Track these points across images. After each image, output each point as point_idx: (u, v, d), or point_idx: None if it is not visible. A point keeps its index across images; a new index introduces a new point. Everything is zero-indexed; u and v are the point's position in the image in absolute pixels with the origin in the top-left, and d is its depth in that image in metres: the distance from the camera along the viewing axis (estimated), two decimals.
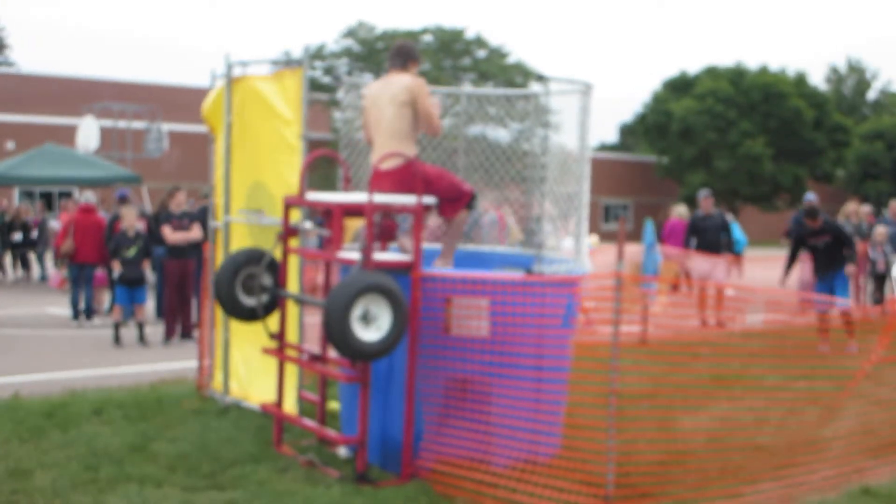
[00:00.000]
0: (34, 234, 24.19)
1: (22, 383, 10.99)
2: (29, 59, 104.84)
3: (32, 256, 24.64)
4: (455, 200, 8.21)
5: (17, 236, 24.07)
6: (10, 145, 41.11)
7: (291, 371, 8.76)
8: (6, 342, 14.34)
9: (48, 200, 37.07)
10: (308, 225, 8.31)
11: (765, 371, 9.86)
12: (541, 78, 8.05)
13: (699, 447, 7.95)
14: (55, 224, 24.16)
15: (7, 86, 48.68)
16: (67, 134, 33.08)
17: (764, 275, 20.22)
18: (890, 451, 8.28)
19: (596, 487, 6.61)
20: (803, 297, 14.57)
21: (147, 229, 15.98)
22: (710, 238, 18.58)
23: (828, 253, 14.56)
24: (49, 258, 24.08)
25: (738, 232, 22.28)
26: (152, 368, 12.27)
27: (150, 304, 15.37)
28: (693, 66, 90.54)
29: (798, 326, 10.33)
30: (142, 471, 7.54)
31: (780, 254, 20.20)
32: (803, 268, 19.73)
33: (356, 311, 6.93)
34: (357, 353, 7.02)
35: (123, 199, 17.80)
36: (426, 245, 8.27)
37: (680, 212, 21.86)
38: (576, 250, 8.65)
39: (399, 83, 8.13)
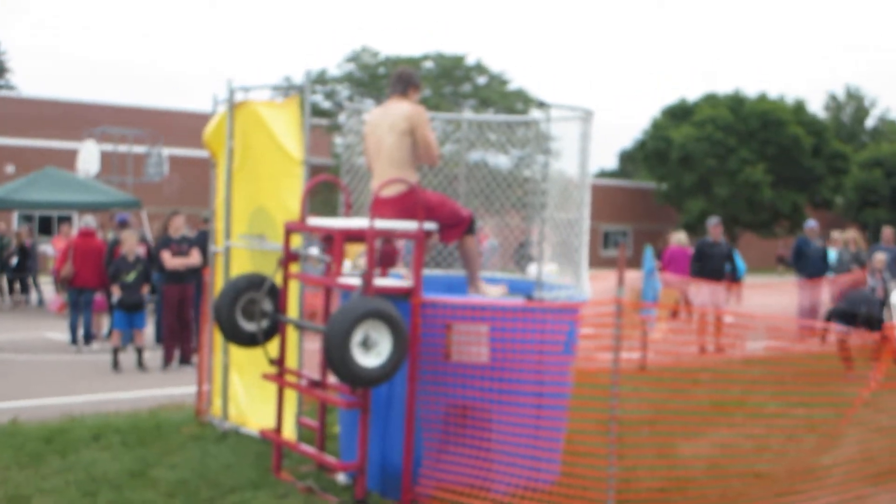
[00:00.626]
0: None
1: (20, 408, 10.99)
2: (30, 83, 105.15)
3: (30, 281, 24.62)
4: (455, 226, 8.22)
5: (13, 260, 24.08)
6: (9, 169, 41.12)
7: (291, 397, 8.75)
8: (4, 367, 14.33)
9: (48, 225, 37.10)
10: (315, 251, 8.31)
11: (765, 398, 9.86)
12: (542, 104, 8.08)
13: (699, 474, 7.95)
14: (48, 248, 24.18)
15: (7, 109, 48.81)
16: (68, 158, 33.15)
17: (763, 301, 20.24)
18: (890, 479, 8.26)
19: None
20: (803, 324, 14.57)
21: (147, 254, 15.96)
22: (715, 265, 18.71)
23: None
24: (43, 282, 24.13)
25: (737, 259, 22.34)
26: (151, 394, 12.26)
27: (149, 329, 15.36)
28: (692, 94, 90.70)
29: (797, 353, 10.33)
30: (141, 497, 7.53)
31: (779, 280, 20.25)
32: (802, 294, 19.78)
33: (356, 337, 6.93)
34: (357, 379, 7.01)
35: (123, 224, 17.82)
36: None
37: (679, 238, 21.88)
38: (576, 276, 8.66)
39: (399, 111, 8.15)
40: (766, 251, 61.41)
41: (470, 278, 8.45)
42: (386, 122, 8.16)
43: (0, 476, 8.07)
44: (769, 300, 20.86)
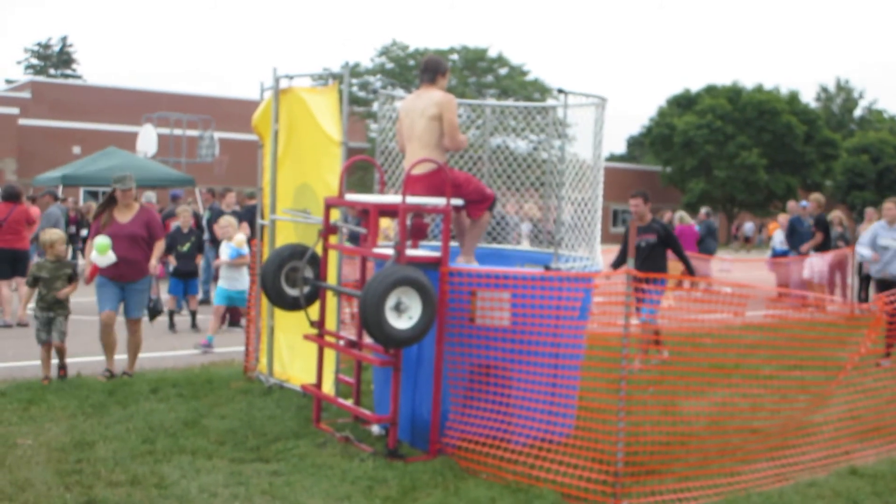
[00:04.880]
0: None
1: (86, 363, 11.04)
2: (94, 72, 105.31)
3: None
4: (479, 202, 8.19)
5: (84, 231, 24.16)
6: (76, 149, 41.34)
7: (330, 356, 8.76)
8: (74, 327, 14.29)
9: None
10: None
11: (760, 361, 9.79)
12: (561, 91, 8.02)
13: (700, 430, 7.92)
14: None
15: (74, 96, 49.02)
16: (129, 140, 33.27)
17: (759, 274, 20.14)
18: (874, 436, 8.23)
19: (606, 465, 6.58)
20: (798, 294, 14.45)
21: (196, 226, 15.90)
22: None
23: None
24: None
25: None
26: (198, 352, 12.29)
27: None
28: (695, 85, 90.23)
29: (792, 321, 10.25)
30: (194, 444, 7.56)
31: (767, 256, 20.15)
32: (798, 267, 19.66)
33: (390, 302, 6.93)
34: (390, 340, 7.02)
35: (176, 198, 17.84)
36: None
37: (682, 217, 21.95)
38: (590, 249, 8.61)
39: (430, 97, 8.10)
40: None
41: (465, 249, 8.37)
42: (418, 107, 8.12)
43: (68, 423, 8.13)
44: (764, 273, 20.78)
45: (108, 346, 10.27)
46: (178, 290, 14.43)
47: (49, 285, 10.02)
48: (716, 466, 7.16)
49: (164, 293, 16.91)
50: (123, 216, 10.30)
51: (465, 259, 8.32)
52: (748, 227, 56.15)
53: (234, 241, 12.97)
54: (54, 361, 10.06)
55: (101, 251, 9.87)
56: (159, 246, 10.53)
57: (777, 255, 20.63)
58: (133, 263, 10.21)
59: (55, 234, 10.46)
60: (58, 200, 19.49)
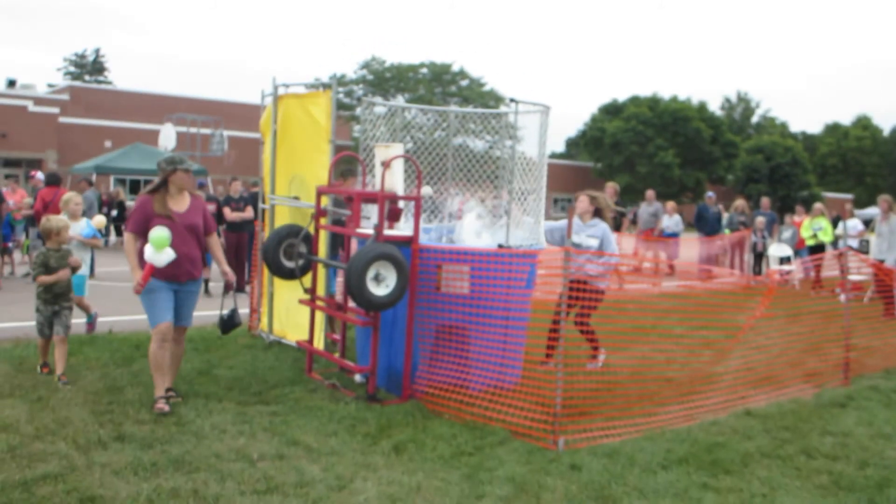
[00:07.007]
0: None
1: (116, 322, 10.94)
2: (122, 76, 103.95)
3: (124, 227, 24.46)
4: None
5: (114, 212, 23.96)
6: (107, 144, 40.86)
7: (320, 317, 8.74)
8: (105, 292, 14.24)
9: (136, 187, 36.83)
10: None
11: (673, 323, 9.88)
12: (512, 100, 8.01)
13: (624, 379, 7.98)
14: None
15: (106, 99, 48.33)
16: (152, 136, 32.85)
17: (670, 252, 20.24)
18: (765, 384, 8.32)
19: (547, 407, 6.62)
20: (704, 268, 14.57)
21: (217, 209, 15.70)
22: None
23: None
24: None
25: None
26: (215, 313, 12.20)
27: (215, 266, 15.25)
28: (621, 95, 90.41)
29: (700, 290, 10.35)
30: (207, 389, 7.53)
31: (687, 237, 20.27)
32: (702, 247, 19.82)
33: (370, 273, 6.92)
34: (370, 305, 7.00)
35: (202, 186, 17.72)
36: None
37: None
38: (534, 231, 8.62)
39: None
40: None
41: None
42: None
43: (101, 372, 8.06)
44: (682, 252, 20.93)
45: (162, 367, 6.98)
46: None
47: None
48: (636, 409, 7.22)
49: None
50: (178, 205, 7.15)
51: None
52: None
53: (94, 220, 10.80)
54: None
55: (158, 247, 6.70)
56: (218, 243, 7.56)
57: (667, 236, 20.60)
58: (192, 260, 7.13)
59: (61, 221, 8.16)
60: (91, 186, 19.24)
